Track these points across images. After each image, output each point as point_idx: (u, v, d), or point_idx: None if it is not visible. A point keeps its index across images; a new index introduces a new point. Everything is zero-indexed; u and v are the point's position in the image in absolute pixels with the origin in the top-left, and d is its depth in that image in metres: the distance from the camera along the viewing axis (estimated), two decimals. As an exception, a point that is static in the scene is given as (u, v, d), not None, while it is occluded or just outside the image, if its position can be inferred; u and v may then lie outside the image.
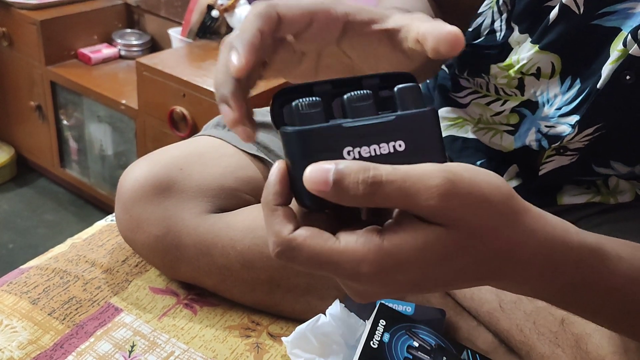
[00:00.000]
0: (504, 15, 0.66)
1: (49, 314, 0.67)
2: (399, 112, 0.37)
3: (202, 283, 0.70)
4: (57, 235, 2.09)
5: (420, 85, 0.39)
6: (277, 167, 0.37)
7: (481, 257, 0.35)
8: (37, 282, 0.70)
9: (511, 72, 0.63)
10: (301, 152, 0.36)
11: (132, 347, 0.65)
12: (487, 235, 0.35)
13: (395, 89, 0.38)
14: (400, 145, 0.36)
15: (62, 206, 2.27)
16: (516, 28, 0.63)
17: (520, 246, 0.36)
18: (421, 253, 0.34)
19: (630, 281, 0.42)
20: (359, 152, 0.35)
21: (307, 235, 0.35)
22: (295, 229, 0.35)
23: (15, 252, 2.02)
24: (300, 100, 0.36)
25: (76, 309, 0.68)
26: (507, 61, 0.64)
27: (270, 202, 0.36)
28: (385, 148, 0.36)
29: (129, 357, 0.63)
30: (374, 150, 0.36)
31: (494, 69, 0.65)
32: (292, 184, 0.37)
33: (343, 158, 0.35)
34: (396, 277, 0.34)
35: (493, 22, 0.68)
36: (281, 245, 0.35)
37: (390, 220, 0.35)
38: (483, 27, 0.68)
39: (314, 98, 0.37)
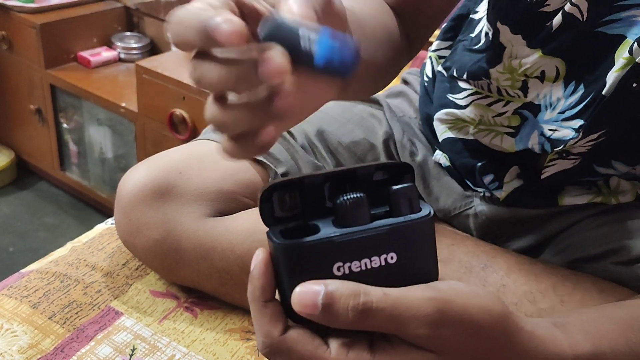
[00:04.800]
0: (483, 14, 0.65)
1: (49, 318, 0.67)
2: (392, 222, 0.35)
3: (202, 287, 0.70)
4: (57, 239, 2.09)
5: (415, 182, 0.38)
6: (260, 259, 0.35)
7: None
8: (37, 286, 0.70)
9: (514, 74, 0.63)
10: (290, 268, 0.34)
11: (133, 350, 0.64)
12: (479, 359, 0.35)
13: (391, 190, 0.36)
14: (392, 258, 0.35)
15: (62, 209, 2.27)
16: (506, 29, 0.62)
17: None
18: None
19: None
20: (349, 268, 0.34)
21: (298, 339, 0.34)
22: (285, 328, 0.34)
23: (15, 255, 2.02)
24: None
25: (76, 313, 0.68)
26: (508, 65, 0.63)
27: (257, 298, 0.35)
28: (376, 261, 0.34)
29: (130, 361, 0.63)
30: (365, 264, 0.34)
31: (494, 73, 0.65)
32: (279, 293, 0.36)
33: (333, 274, 0.34)
34: None
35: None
36: (270, 347, 0.34)
37: (381, 335, 0.35)
38: (482, 32, 0.68)
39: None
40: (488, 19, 0.65)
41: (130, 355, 0.64)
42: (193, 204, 0.66)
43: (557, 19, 0.57)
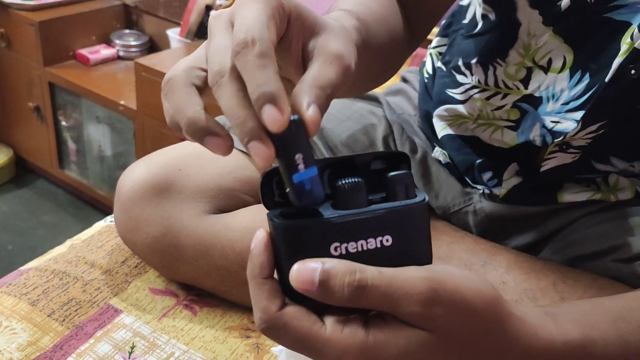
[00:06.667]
0: None
1: (48, 316, 0.67)
2: (388, 206, 0.36)
3: (202, 284, 0.70)
4: (56, 237, 2.09)
5: (411, 170, 0.39)
6: (260, 237, 0.36)
7: None
8: (36, 284, 0.70)
9: (525, 59, 0.62)
10: (289, 247, 0.35)
11: (132, 348, 0.64)
12: (471, 341, 0.36)
13: (388, 176, 0.37)
14: (387, 240, 0.36)
15: (61, 207, 2.27)
16: (525, 3, 0.61)
17: (503, 352, 0.37)
18: (403, 355, 0.34)
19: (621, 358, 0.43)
20: (346, 248, 0.35)
21: (294, 315, 0.35)
22: (282, 305, 0.35)
23: (14, 253, 2.02)
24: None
25: (76, 310, 0.68)
26: (527, 43, 0.62)
27: (256, 275, 0.36)
28: (372, 243, 0.36)
29: (129, 358, 0.63)
30: (361, 245, 0.35)
31: (512, 53, 0.64)
32: (278, 272, 0.37)
33: (330, 254, 0.35)
34: None
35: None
36: (268, 322, 0.35)
37: (375, 313, 0.36)
38: (477, 15, 0.67)
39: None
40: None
41: (130, 353, 0.64)
42: (192, 201, 0.66)
43: (565, 1, 0.57)
